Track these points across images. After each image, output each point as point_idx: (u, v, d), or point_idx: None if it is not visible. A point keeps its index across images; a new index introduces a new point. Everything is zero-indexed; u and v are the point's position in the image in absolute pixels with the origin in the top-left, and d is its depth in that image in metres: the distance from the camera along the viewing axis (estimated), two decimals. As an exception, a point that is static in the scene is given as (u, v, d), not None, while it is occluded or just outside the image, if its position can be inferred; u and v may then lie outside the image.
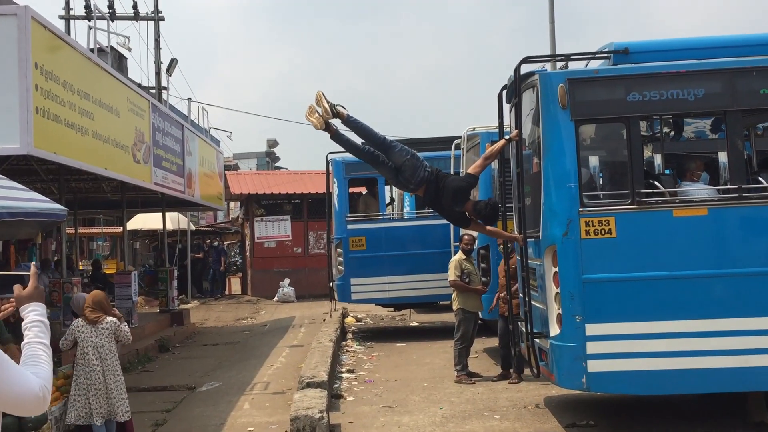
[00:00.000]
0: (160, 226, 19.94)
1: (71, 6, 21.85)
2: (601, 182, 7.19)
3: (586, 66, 7.45)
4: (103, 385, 7.36)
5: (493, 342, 10.49)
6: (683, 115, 7.41)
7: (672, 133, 8.33)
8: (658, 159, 8.30)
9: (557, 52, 16.42)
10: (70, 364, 7.71)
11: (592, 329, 6.53)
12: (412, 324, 16.65)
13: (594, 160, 7.06)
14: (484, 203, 7.28)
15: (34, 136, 8.50)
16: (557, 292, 6.74)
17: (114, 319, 7.51)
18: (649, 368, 6.52)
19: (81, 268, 20.57)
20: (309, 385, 8.60)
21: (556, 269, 6.73)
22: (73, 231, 21.09)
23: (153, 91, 23.38)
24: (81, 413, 7.36)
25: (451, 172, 12.62)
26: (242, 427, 8.42)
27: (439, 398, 9.06)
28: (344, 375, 10.89)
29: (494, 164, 11.12)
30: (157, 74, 23.97)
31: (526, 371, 9.26)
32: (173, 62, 23.47)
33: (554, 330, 6.81)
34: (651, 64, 6.89)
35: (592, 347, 6.53)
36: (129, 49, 19.27)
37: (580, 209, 6.62)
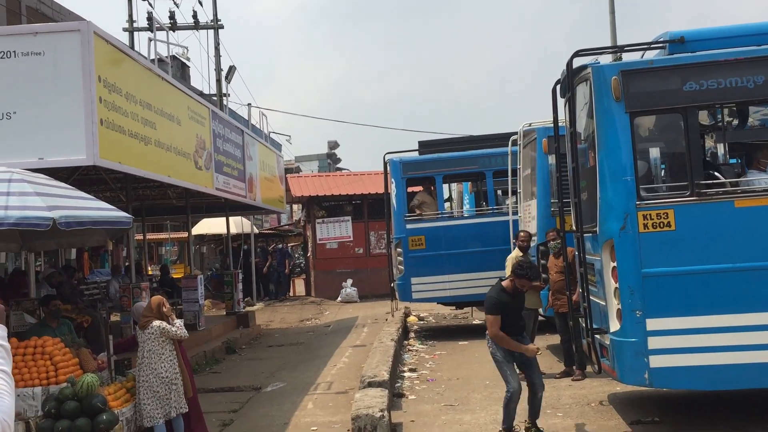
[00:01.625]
0: (225, 231, 20.35)
1: (134, 18, 22.52)
2: (658, 174, 7.06)
3: (642, 57, 7.32)
4: (158, 387, 7.69)
5: (556, 339, 10.38)
6: (743, 103, 7.21)
7: (735, 121, 8.12)
8: (721, 149, 8.12)
9: (618, 44, 16.14)
10: (137, 367, 7.98)
11: (652, 324, 6.42)
12: (474, 322, 16.59)
13: (651, 152, 6.95)
14: (519, 267, 7.19)
15: (100, 147, 8.81)
16: (616, 287, 6.65)
17: (159, 323, 7.75)
18: (713, 363, 6.38)
19: (150, 273, 21.17)
20: (370, 385, 8.68)
21: (615, 264, 6.65)
22: (142, 237, 21.68)
23: (214, 99, 23.90)
24: (145, 414, 7.72)
25: (509, 168, 12.60)
26: (306, 426, 8.55)
27: (500, 396, 8.93)
28: (406, 374, 10.94)
29: (551, 159, 11.04)
30: (218, 81, 24.50)
31: (590, 368, 9.15)
32: (231, 69, 23.94)
33: (614, 325, 6.72)
34: (708, 52, 6.73)
35: (653, 342, 6.42)
36: (188, 59, 19.71)
37: (638, 202, 6.51)
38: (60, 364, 7.73)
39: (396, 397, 9.36)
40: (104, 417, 7.24)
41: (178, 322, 7.86)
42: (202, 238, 29.30)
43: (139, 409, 7.79)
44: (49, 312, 8.73)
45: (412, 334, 15.13)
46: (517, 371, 7.40)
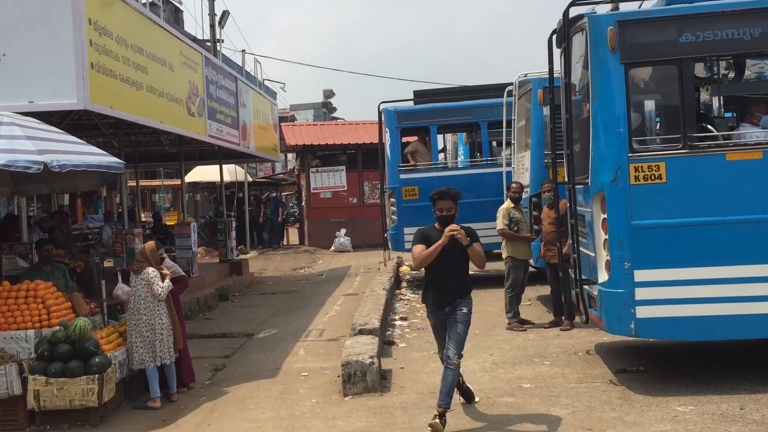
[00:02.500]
0: (218, 178, 20.31)
1: (126, -39, 22.07)
2: (652, 127, 7.05)
3: (639, 7, 7.23)
4: (146, 332, 7.81)
5: (547, 290, 10.47)
6: (739, 55, 7.16)
7: (731, 74, 8.08)
8: (716, 102, 8.09)
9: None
10: (128, 312, 8.07)
11: (640, 275, 6.48)
12: (466, 272, 16.69)
13: (645, 104, 6.91)
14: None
15: (90, 92, 8.72)
16: (606, 239, 6.70)
17: (152, 270, 7.82)
18: (699, 314, 6.47)
19: (143, 220, 21.14)
20: (361, 332, 8.77)
21: (605, 216, 6.68)
22: (135, 184, 21.63)
23: (208, 44, 23.59)
24: (136, 357, 7.87)
25: (504, 119, 12.54)
26: (297, 372, 8.67)
27: (489, 345, 9.14)
28: (397, 322, 11.05)
29: (545, 111, 10.99)
30: (212, 27, 24.16)
31: (578, 318, 9.26)
32: (225, 14, 23.59)
33: (603, 276, 6.79)
34: (705, 3, 6.67)
35: (640, 293, 6.49)
36: (180, 2, 19.40)
37: (630, 155, 6.51)
38: (52, 307, 7.78)
39: (386, 344, 9.47)
40: (97, 360, 7.34)
41: (167, 282, 7.91)
42: (195, 186, 29.22)
43: (130, 353, 7.91)
44: (42, 256, 8.76)
45: (404, 284, 15.25)
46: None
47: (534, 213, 10.95)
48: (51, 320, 7.68)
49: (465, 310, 6.23)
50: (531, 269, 11.05)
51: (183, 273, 8.62)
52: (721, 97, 7.57)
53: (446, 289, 6.28)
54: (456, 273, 6.26)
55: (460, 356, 6.15)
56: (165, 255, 8.32)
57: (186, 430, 6.91)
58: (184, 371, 8.41)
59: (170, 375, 8.07)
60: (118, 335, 8.19)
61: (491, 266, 16.57)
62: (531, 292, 12.02)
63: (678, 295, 6.48)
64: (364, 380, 7.36)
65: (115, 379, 7.58)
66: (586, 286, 7.22)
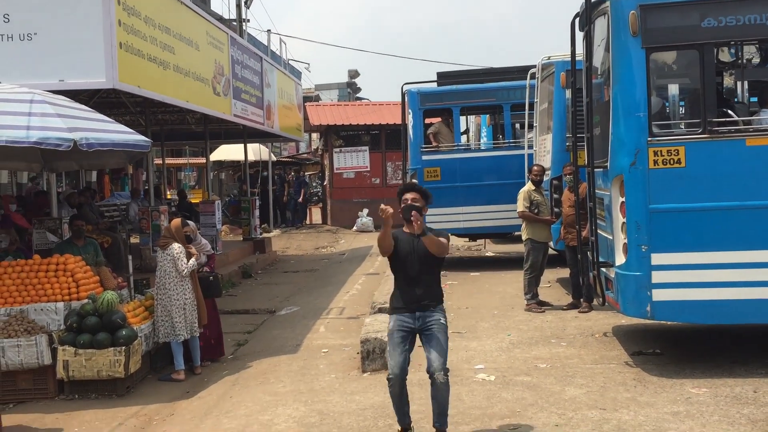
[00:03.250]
0: (243, 157, 20.50)
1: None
2: (672, 111, 7.07)
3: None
4: (171, 307, 8.03)
5: (567, 272, 10.54)
6: (762, 40, 7.14)
7: (754, 59, 8.06)
8: (738, 87, 8.08)
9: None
10: (155, 287, 8.28)
11: (657, 259, 6.54)
12: (487, 254, 16.80)
13: (665, 89, 6.93)
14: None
15: (119, 71, 8.90)
16: (623, 222, 6.76)
17: (178, 246, 8.02)
18: (715, 298, 6.52)
19: (169, 197, 21.43)
20: (380, 311, 8.91)
21: (623, 199, 6.73)
22: (161, 162, 21.89)
23: (234, 24, 23.72)
24: (162, 331, 8.10)
25: (526, 102, 12.55)
26: (317, 348, 8.84)
27: (507, 325, 9.25)
28: (417, 302, 11.17)
29: (568, 94, 11.00)
30: (238, 6, 24.29)
31: (597, 301, 9.33)
32: (252, -6, 23.65)
33: (620, 259, 6.86)
34: (728, -12, 6.64)
35: (657, 276, 6.56)
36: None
37: (649, 139, 6.55)
38: (81, 281, 8.01)
39: (406, 323, 9.60)
40: (123, 332, 7.56)
41: (192, 261, 8.10)
42: (220, 165, 29.49)
43: (156, 327, 8.14)
44: (74, 231, 8.99)
45: (424, 264, 15.34)
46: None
47: (554, 196, 10.99)
48: (80, 293, 7.91)
49: (442, 320, 5.53)
50: (551, 252, 11.12)
51: (212, 251, 8.86)
52: (744, 82, 7.56)
53: (415, 294, 5.55)
54: (425, 278, 5.56)
55: (447, 369, 5.47)
56: (197, 232, 8.57)
57: (209, 401, 7.11)
58: (215, 345, 8.66)
59: (194, 349, 8.29)
60: (144, 309, 8.42)
61: (512, 248, 16.72)
62: (551, 275, 12.10)
63: (694, 278, 6.53)
64: (382, 357, 7.50)
65: (141, 351, 7.81)
66: (603, 269, 7.29)
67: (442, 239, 5.65)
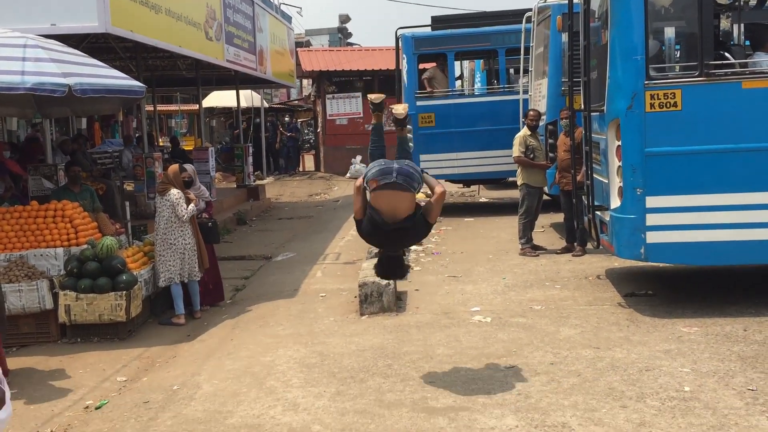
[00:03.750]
0: (234, 104, 20.35)
1: None
2: (669, 54, 7.06)
3: (662, -69, 7.15)
4: (170, 252, 8.10)
5: (561, 217, 10.63)
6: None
7: (752, 1, 8.03)
8: (735, 30, 8.05)
9: None
10: (154, 232, 8.34)
11: (652, 201, 6.62)
12: (481, 200, 16.88)
13: (663, 32, 6.91)
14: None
15: (111, 15, 8.81)
16: (619, 166, 6.81)
17: (176, 192, 8.04)
18: (708, 240, 6.62)
19: (161, 144, 21.32)
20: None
21: (619, 143, 6.77)
22: (152, 108, 21.72)
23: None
24: (161, 276, 8.18)
25: (521, 46, 12.48)
26: (315, 292, 8.96)
27: (502, 269, 9.37)
28: (412, 247, 11.28)
29: (564, 38, 10.94)
30: (227, -51, 23.76)
31: (590, 245, 9.45)
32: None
33: (615, 202, 6.93)
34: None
35: (651, 219, 6.64)
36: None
37: (646, 82, 6.56)
38: (80, 227, 8.05)
39: (401, 267, 9.70)
40: (124, 277, 7.64)
41: (191, 206, 8.13)
42: (211, 111, 29.28)
43: (156, 272, 8.22)
44: (70, 178, 8.99)
45: (419, 210, 15.42)
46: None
47: (550, 141, 11.02)
48: (78, 239, 7.96)
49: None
50: (544, 197, 11.19)
51: (210, 197, 8.90)
52: (741, 25, 7.54)
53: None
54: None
55: None
56: (195, 177, 8.59)
57: (210, 344, 7.23)
58: (214, 290, 8.76)
59: (194, 293, 8.38)
60: (143, 254, 8.48)
61: (505, 194, 16.79)
62: (544, 220, 12.19)
63: (688, 221, 6.62)
64: (380, 300, 7.62)
65: (141, 296, 7.90)
66: (598, 212, 7.37)
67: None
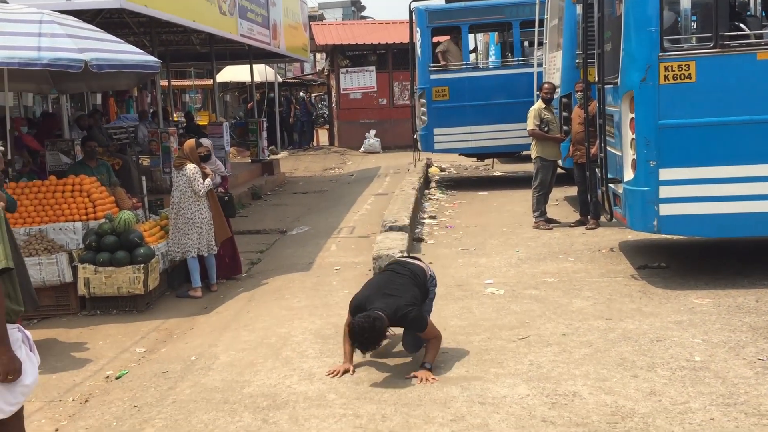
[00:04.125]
0: (248, 79, 20.37)
1: None
2: (684, 26, 7.02)
3: None
4: (186, 227, 8.18)
5: (575, 190, 10.64)
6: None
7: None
8: (752, 1, 8.00)
9: None
10: (170, 206, 8.43)
11: (665, 174, 6.63)
12: (495, 173, 16.89)
13: (677, 3, 6.87)
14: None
15: (126, -11, 8.83)
16: (633, 138, 6.81)
17: (192, 166, 8.11)
18: (721, 212, 6.63)
19: (176, 119, 21.42)
20: (391, 229, 9.07)
21: (633, 115, 6.76)
22: (167, 83, 21.79)
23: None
24: (176, 249, 8.28)
25: (536, 19, 12.41)
26: (329, 265, 9.05)
27: (516, 242, 9.41)
28: (426, 221, 11.35)
29: (579, 9, 10.85)
30: None
31: (604, 218, 9.46)
32: None
33: (628, 175, 6.94)
34: None
35: (664, 191, 6.66)
36: None
37: (660, 54, 6.53)
38: (97, 201, 8.16)
39: (416, 241, 9.79)
40: (141, 251, 7.75)
41: (208, 181, 8.20)
42: (225, 86, 29.30)
43: (172, 245, 8.32)
44: (86, 152, 9.09)
45: (433, 184, 15.49)
46: None
47: (564, 114, 11.00)
48: (96, 213, 8.07)
49: None
50: (558, 170, 11.20)
51: (225, 172, 8.99)
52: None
53: None
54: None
55: None
56: (211, 152, 8.68)
57: (227, 316, 7.34)
58: (230, 264, 8.85)
59: (210, 267, 8.49)
60: (160, 228, 8.59)
61: (519, 167, 16.79)
62: (559, 193, 12.20)
63: (701, 193, 6.63)
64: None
65: (158, 269, 8.01)
66: (611, 185, 7.38)
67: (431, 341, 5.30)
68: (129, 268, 7.63)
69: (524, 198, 11.75)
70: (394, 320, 5.17)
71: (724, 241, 8.27)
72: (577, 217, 10.38)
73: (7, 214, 3.84)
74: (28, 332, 3.71)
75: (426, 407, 4.67)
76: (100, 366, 6.25)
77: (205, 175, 8.22)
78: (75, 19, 8.25)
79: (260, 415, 4.74)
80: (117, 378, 5.88)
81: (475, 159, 17.29)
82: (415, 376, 5.10)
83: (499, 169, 17.37)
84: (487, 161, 17.53)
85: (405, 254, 7.23)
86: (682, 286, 6.95)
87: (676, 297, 6.62)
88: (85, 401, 5.47)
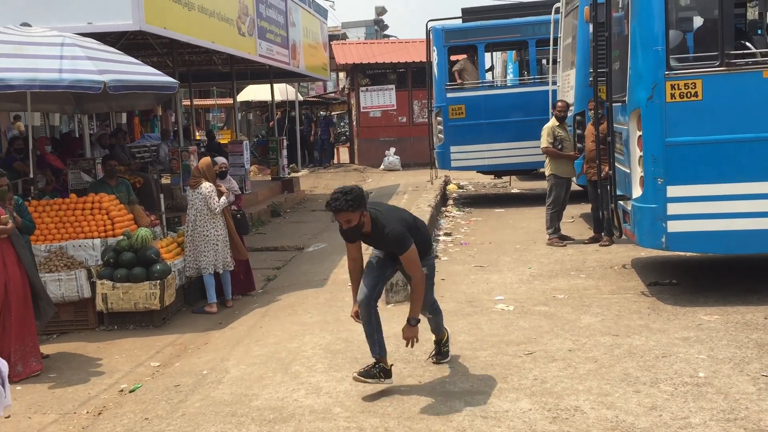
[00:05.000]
0: (270, 97, 20.63)
1: None
2: (689, 44, 7.08)
3: None
4: (202, 244, 8.35)
5: (590, 208, 10.66)
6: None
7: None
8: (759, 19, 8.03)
9: None
10: (186, 224, 8.60)
11: (673, 191, 6.67)
12: (512, 191, 16.93)
13: (683, 22, 6.93)
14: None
15: (145, 12, 9.08)
16: (641, 155, 6.87)
17: (208, 185, 8.29)
18: (729, 228, 6.65)
19: (198, 138, 21.72)
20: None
21: (640, 133, 6.82)
22: (189, 103, 22.13)
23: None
24: (192, 266, 8.44)
25: (551, 37, 12.51)
26: (343, 282, 9.13)
27: (529, 259, 9.46)
28: (441, 237, 11.43)
29: (590, 28, 10.93)
30: (261, -55, 24.04)
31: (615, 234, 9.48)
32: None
33: (636, 192, 6.99)
34: None
35: (672, 208, 6.70)
36: None
37: (667, 72, 6.60)
38: (116, 218, 8.35)
39: (429, 257, 9.85)
40: (158, 267, 7.91)
41: (223, 199, 8.37)
42: (248, 105, 29.66)
43: (188, 262, 8.49)
44: (107, 171, 9.31)
45: (450, 201, 15.57)
46: None
47: (578, 131, 11.05)
48: (115, 230, 8.25)
49: (425, 271, 5.34)
50: (575, 187, 11.24)
51: (239, 191, 9.18)
52: (766, 14, 7.52)
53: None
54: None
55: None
56: (226, 169, 8.87)
57: (240, 331, 7.47)
58: (245, 280, 9.01)
59: (226, 283, 8.64)
60: (177, 245, 8.76)
61: (537, 185, 16.81)
62: (574, 210, 12.24)
63: (709, 210, 6.66)
64: (405, 289, 7.77)
65: (175, 285, 8.17)
66: (621, 202, 7.43)
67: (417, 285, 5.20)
68: (146, 284, 7.79)
69: (539, 215, 11.78)
70: (376, 231, 5.08)
71: (736, 257, 8.26)
72: (591, 234, 10.40)
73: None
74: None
75: (428, 421, 4.75)
76: (115, 379, 6.40)
77: (220, 193, 8.39)
78: (96, 41, 8.49)
79: (266, 427, 4.84)
80: (131, 391, 6.02)
81: (492, 176, 17.36)
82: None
83: (516, 186, 17.42)
84: (505, 178, 17.58)
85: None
86: (691, 302, 6.96)
87: (685, 313, 6.64)
88: (99, 414, 5.61)
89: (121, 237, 8.12)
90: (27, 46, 7.67)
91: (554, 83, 12.72)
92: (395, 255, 5.20)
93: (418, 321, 5.27)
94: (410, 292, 5.38)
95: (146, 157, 16.14)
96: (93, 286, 7.86)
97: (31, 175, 8.77)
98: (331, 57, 24.09)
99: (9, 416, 5.62)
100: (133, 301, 7.80)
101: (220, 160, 9.01)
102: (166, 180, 13.62)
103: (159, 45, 14.49)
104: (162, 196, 10.02)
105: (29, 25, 8.32)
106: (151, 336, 7.61)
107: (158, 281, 7.82)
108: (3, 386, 3.91)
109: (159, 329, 7.84)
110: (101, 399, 5.95)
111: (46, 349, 7.11)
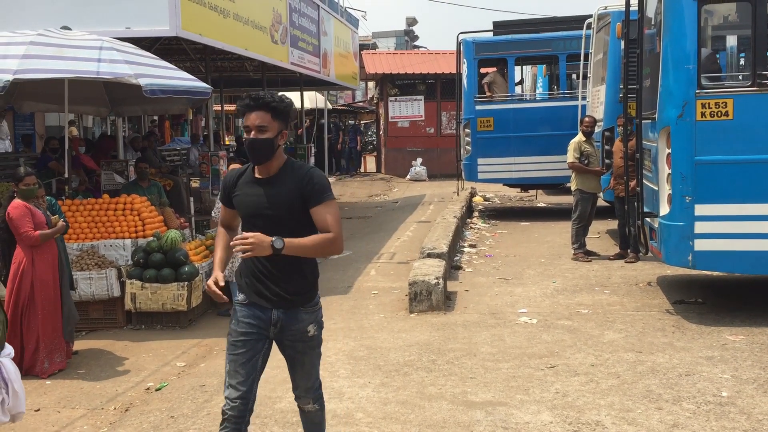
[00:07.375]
0: (299, 105, 20.80)
1: None
2: (721, 64, 7.08)
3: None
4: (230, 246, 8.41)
5: (616, 223, 10.65)
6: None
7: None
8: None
9: None
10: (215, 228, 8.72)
11: (701, 210, 6.67)
12: (539, 204, 16.92)
13: (715, 41, 6.94)
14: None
15: (182, 19, 9.23)
16: (669, 173, 6.87)
17: None
18: (756, 249, 6.64)
19: (227, 143, 21.95)
20: (429, 255, 9.21)
21: (669, 150, 6.83)
22: (220, 108, 22.41)
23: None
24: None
25: (581, 52, 12.53)
26: (367, 290, 9.22)
27: (553, 273, 9.47)
28: (466, 249, 11.46)
29: (623, 45, 10.95)
30: (296, -46, 24.28)
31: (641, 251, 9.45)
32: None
33: (664, 209, 7.00)
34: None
35: (699, 227, 6.69)
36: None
37: (697, 91, 6.61)
38: (147, 220, 8.49)
39: (454, 269, 9.91)
40: (186, 269, 8.03)
41: None
42: (277, 112, 29.85)
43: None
44: (138, 173, 9.47)
45: (476, 213, 15.59)
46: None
47: (606, 147, 11.05)
48: (145, 231, 8.40)
49: (312, 332, 4.07)
50: (602, 203, 11.23)
51: None
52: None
53: (266, 278, 3.80)
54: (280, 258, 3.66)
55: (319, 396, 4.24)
56: None
57: (265, 335, 7.54)
58: None
59: (251, 287, 8.71)
60: (205, 248, 8.89)
61: (564, 199, 16.78)
62: (601, 226, 12.22)
63: (737, 229, 6.65)
64: (429, 299, 7.84)
65: (202, 287, 8.28)
66: (648, 219, 7.44)
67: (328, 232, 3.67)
68: (173, 285, 7.92)
69: (566, 229, 11.76)
70: (289, 172, 3.68)
71: (763, 278, 8.20)
72: (617, 250, 10.38)
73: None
74: (7, 374, 4.01)
75: (449, 429, 4.79)
76: (142, 378, 6.51)
77: None
78: (133, 46, 8.67)
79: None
80: (157, 390, 6.12)
81: (519, 190, 17.36)
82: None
83: (543, 200, 17.40)
84: (532, 192, 17.57)
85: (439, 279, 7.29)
86: (716, 322, 6.94)
87: (710, 333, 6.62)
88: (126, 410, 5.71)
89: (151, 238, 8.25)
90: (66, 48, 7.85)
91: (583, 98, 12.73)
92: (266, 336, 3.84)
93: (280, 250, 3.56)
94: (315, 238, 3.67)
95: (176, 160, 16.35)
96: (122, 285, 7.99)
97: (66, 175, 8.95)
98: (361, 66, 24.23)
99: (39, 409, 5.75)
100: (161, 301, 7.92)
101: None
102: (195, 183, 13.77)
103: (193, 51, 14.71)
104: (192, 199, 10.16)
105: (69, 29, 8.51)
106: (178, 336, 7.72)
107: (186, 283, 7.94)
108: (7, 392, 4.01)
109: (185, 330, 7.95)
110: (128, 396, 6.06)
111: (75, 345, 7.25)
